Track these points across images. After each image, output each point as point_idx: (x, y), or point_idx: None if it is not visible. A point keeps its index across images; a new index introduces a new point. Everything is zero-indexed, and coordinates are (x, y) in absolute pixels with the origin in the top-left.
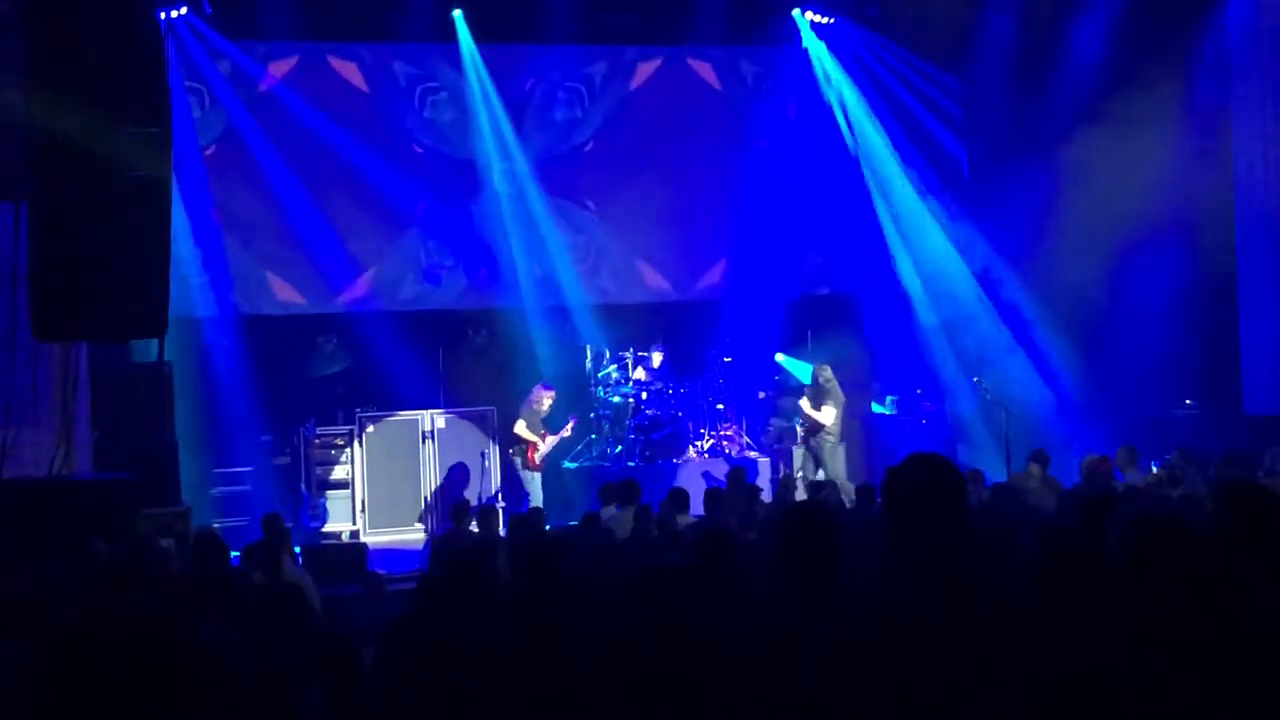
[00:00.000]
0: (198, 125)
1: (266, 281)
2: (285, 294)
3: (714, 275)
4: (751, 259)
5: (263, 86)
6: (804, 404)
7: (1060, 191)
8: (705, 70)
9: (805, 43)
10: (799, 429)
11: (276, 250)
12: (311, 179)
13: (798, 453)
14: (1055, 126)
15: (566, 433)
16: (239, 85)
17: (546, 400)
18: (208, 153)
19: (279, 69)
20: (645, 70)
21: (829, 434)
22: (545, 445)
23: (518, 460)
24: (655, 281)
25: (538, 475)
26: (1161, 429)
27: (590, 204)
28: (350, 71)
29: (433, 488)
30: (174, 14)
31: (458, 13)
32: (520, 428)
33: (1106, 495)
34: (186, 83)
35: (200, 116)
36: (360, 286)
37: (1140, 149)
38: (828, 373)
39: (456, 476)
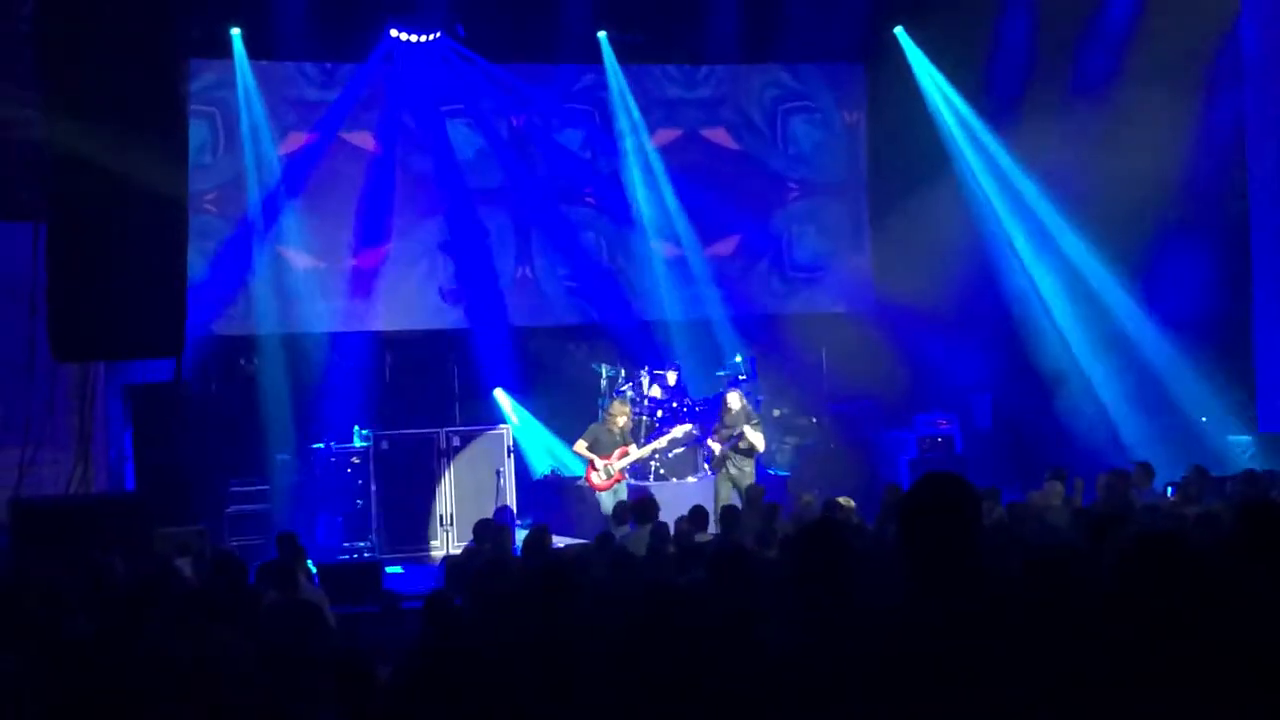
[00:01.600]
0: (208, 169)
1: (280, 255)
2: (301, 261)
3: (728, 246)
4: (764, 274)
5: (280, 151)
6: (750, 430)
7: (1071, 207)
8: (720, 135)
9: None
10: (716, 451)
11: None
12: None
13: (722, 481)
14: (1067, 138)
15: (661, 443)
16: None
17: (620, 417)
18: (208, 198)
19: (294, 142)
20: (664, 137)
21: (749, 459)
22: (614, 461)
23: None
24: (670, 251)
25: (604, 495)
26: (1177, 446)
27: (590, 198)
28: (363, 139)
29: (448, 506)
30: None
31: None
32: (579, 446)
33: (1120, 515)
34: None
35: (211, 162)
36: (376, 256)
37: (1153, 163)
38: (744, 398)
39: (472, 495)
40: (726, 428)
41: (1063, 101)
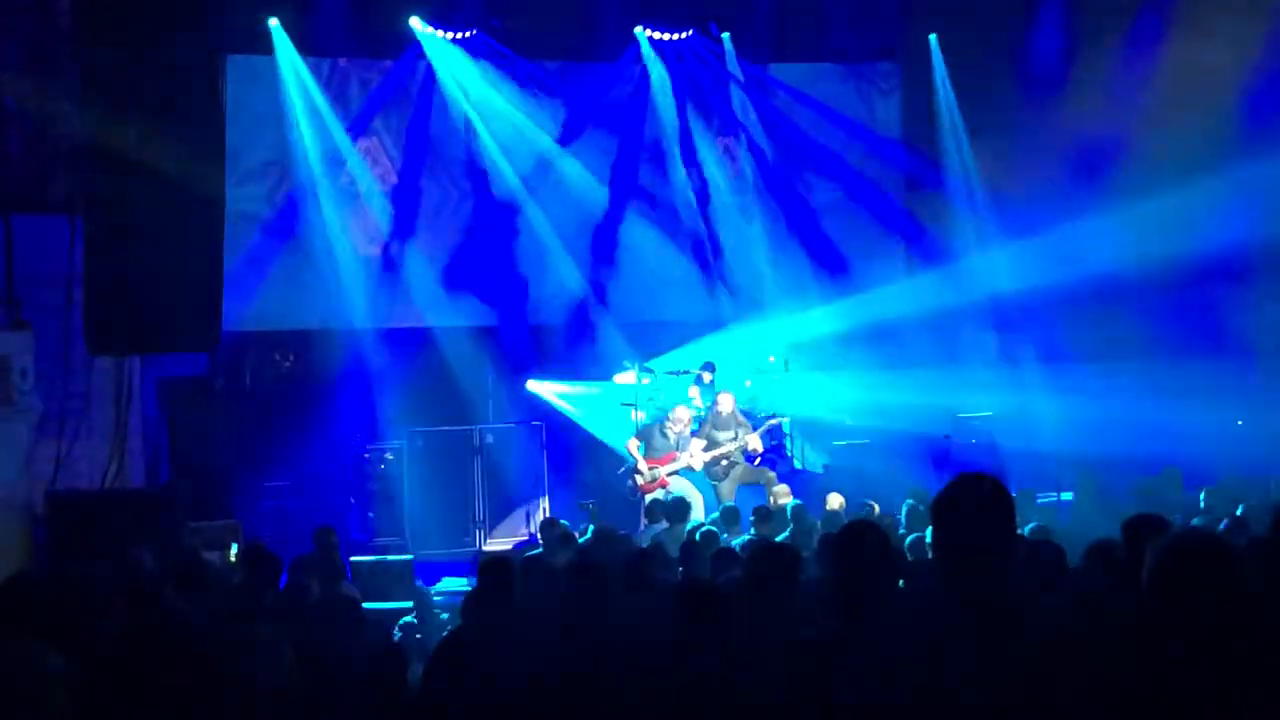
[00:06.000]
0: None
1: (315, 251)
2: (335, 257)
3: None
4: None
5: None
6: (753, 438)
7: (1109, 216)
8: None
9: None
10: (726, 461)
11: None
12: None
13: (727, 486)
14: (1099, 154)
15: (694, 463)
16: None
17: (679, 424)
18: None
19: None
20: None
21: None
22: (658, 467)
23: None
24: (703, 248)
25: (648, 497)
26: (1211, 451)
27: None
28: (394, 135)
29: (483, 502)
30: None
31: None
32: (630, 443)
33: (1152, 518)
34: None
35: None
36: (411, 252)
37: (1191, 180)
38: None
39: (507, 491)
40: (721, 430)
41: (1096, 119)
